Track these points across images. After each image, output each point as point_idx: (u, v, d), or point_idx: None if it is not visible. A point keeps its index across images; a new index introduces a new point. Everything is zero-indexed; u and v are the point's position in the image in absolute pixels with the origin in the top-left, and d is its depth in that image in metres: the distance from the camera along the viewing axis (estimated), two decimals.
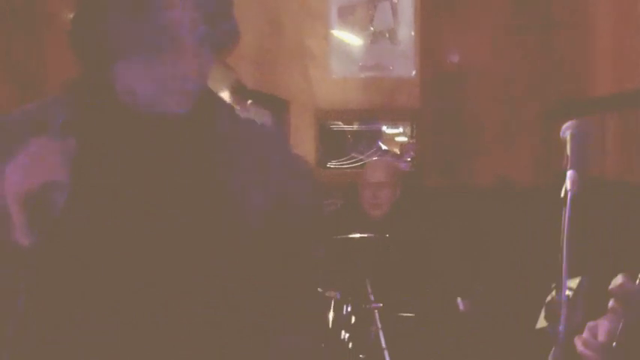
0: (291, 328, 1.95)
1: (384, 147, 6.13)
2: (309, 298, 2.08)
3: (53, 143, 1.63)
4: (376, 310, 4.37)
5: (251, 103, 3.74)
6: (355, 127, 6.21)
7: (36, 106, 1.82)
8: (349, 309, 4.36)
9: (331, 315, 4.30)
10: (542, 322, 4.29)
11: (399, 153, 6.05)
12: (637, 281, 2.30)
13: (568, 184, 2.14)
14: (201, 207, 1.81)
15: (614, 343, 2.42)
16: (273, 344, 1.90)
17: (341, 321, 4.33)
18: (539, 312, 4.17)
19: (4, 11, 5.10)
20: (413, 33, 6.15)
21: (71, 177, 1.62)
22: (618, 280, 2.32)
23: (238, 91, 3.63)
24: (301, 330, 1.99)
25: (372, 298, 4.40)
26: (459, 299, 4.74)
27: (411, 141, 6.15)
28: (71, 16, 1.78)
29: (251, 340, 1.86)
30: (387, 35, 6.18)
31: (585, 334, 2.50)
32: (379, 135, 6.19)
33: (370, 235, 4.53)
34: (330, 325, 4.28)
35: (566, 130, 2.25)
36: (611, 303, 2.38)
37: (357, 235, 4.52)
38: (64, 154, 1.63)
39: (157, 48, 1.72)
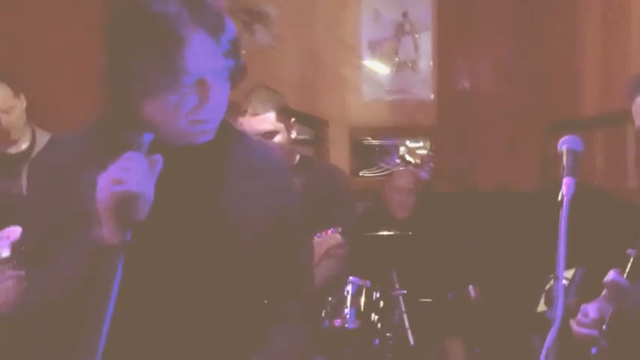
0: (288, 319, 1.95)
1: (407, 158, 6.12)
2: (305, 294, 2.06)
3: (141, 160, 1.63)
4: (401, 296, 4.35)
5: (294, 122, 3.71)
6: (383, 141, 6.20)
7: (101, 125, 1.79)
8: (378, 295, 4.34)
9: (363, 300, 4.28)
10: (542, 307, 4.27)
11: (419, 163, 6.03)
12: (624, 275, 2.30)
13: (564, 189, 2.12)
14: (218, 218, 1.81)
15: (604, 326, 2.41)
16: (271, 332, 1.90)
17: (371, 305, 4.31)
18: (540, 298, 4.15)
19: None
20: (431, 63, 6.15)
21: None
22: (610, 274, 2.32)
23: (284, 111, 3.59)
24: (296, 321, 1.99)
25: (397, 286, 4.38)
26: (470, 287, 4.72)
27: (430, 153, 6.14)
28: (101, 61, 1.74)
29: (254, 328, 1.86)
30: (410, 65, 6.17)
31: (579, 315, 2.49)
32: (403, 148, 6.18)
33: (395, 232, 4.52)
34: (362, 309, 4.26)
35: (563, 144, 2.23)
36: (604, 292, 2.37)
37: (385, 233, 4.51)
38: (149, 170, 1.63)
39: (180, 86, 1.69)
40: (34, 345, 1.76)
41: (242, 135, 1.97)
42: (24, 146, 3.56)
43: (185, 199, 1.79)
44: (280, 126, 3.48)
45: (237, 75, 1.79)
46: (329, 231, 3.53)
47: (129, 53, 1.69)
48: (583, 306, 2.48)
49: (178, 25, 1.67)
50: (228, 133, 1.88)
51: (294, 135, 3.70)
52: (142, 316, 1.74)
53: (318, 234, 3.49)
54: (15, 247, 2.93)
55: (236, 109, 3.43)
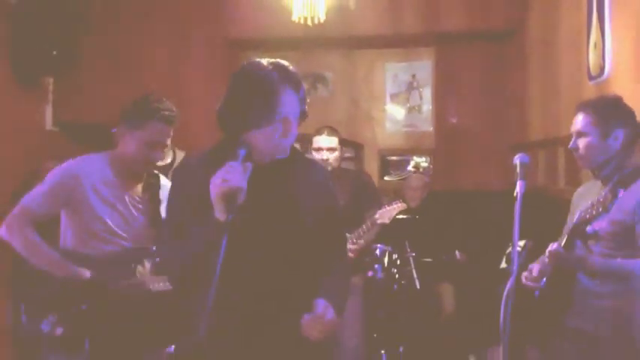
0: (336, 271, 1.87)
1: (418, 168, 6.11)
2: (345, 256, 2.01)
3: (238, 165, 1.64)
4: (411, 257, 4.33)
5: (343, 146, 3.93)
6: (399, 157, 6.19)
7: (222, 144, 1.80)
8: (396, 256, 4.33)
9: (386, 260, 4.27)
10: (503, 264, 4.19)
11: (423, 172, 5.99)
12: (562, 246, 2.28)
13: (517, 188, 2.10)
14: (289, 208, 1.79)
15: (544, 279, 2.37)
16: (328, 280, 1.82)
17: (392, 263, 4.30)
18: (502, 258, 4.09)
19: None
20: (431, 107, 6.11)
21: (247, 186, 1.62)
22: (552, 245, 2.30)
23: (340, 139, 3.84)
24: (341, 273, 1.91)
25: (408, 250, 4.36)
26: (456, 251, 4.67)
27: (430, 165, 6.10)
28: (219, 105, 1.76)
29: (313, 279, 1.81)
30: (417, 108, 6.16)
31: (527, 272, 2.46)
32: (412, 162, 6.16)
33: (408, 216, 4.48)
34: (386, 265, 4.26)
35: (516, 159, 2.21)
36: (544, 255, 2.34)
37: (401, 217, 4.48)
38: (244, 172, 1.64)
39: (273, 122, 1.71)
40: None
41: (303, 154, 1.96)
42: (169, 160, 3.55)
43: (270, 193, 1.78)
44: (338, 146, 3.77)
45: (303, 118, 1.79)
46: (396, 202, 3.69)
47: (241, 100, 1.71)
48: (530, 265, 2.45)
49: (273, 82, 1.69)
50: (296, 154, 1.87)
51: (343, 153, 3.93)
52: (242, 264, 1.72)
53: (386, 204, 3.67)
54: None
55: (309, 138, 3.77)
